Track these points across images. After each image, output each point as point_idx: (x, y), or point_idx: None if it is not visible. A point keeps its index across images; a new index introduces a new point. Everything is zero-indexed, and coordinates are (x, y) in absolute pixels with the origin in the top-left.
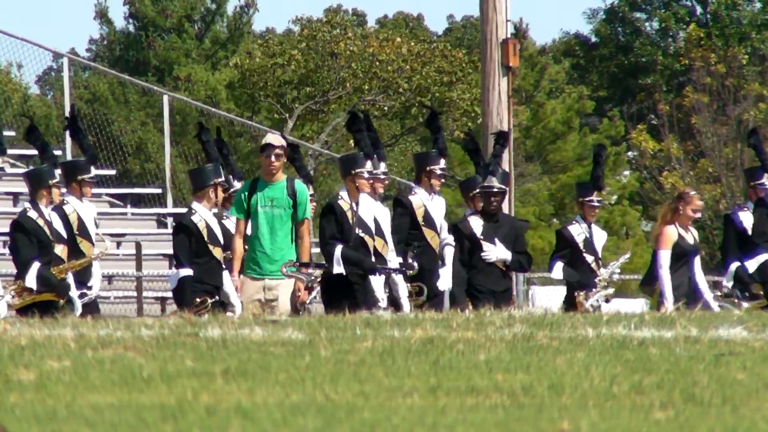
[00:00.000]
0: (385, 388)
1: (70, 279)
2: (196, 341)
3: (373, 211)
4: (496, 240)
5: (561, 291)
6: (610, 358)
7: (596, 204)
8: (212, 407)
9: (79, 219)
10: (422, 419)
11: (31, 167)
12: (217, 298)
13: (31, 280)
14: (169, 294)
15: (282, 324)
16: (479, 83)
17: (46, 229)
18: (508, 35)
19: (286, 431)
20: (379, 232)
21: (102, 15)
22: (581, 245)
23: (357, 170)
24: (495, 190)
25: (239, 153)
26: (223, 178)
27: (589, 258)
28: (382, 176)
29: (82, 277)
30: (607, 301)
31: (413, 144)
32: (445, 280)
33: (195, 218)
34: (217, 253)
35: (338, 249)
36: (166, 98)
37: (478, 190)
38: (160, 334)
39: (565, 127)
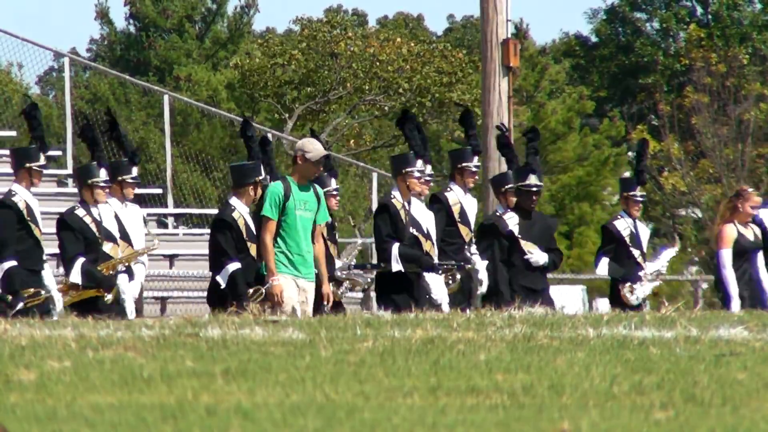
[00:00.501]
0: (385, 388)
1: (123, 280)
2: (196, 341)
3: (422, 214)
4: (532, 247)
5: (562, 291)
6: (610, 358)
7: (639, 198)
8: (212, 407)
9: (117, 219)
10: (422, 419)
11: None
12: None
13: (75, 276)
14: (169, 294)
15: (282, 324)
16: (479, 83)
17: (93, 227)
18: (509, 35)
19: (286, 431)
20: (429, 234)
21: (103, 15)
22: (627, 240)
23: (408, 170)
24: (534, 188)
25: (239, 153)
26: (263, 176)
27: (636, 252)
28: (429, 178)
29: None
30: (655, 294)
31: None
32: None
33: (235, 214)
34: (254, 249)
35: (395, 247)
36: (166, 98)
37: (510, 186)
38: (160, 334)
39: (566, 128)
